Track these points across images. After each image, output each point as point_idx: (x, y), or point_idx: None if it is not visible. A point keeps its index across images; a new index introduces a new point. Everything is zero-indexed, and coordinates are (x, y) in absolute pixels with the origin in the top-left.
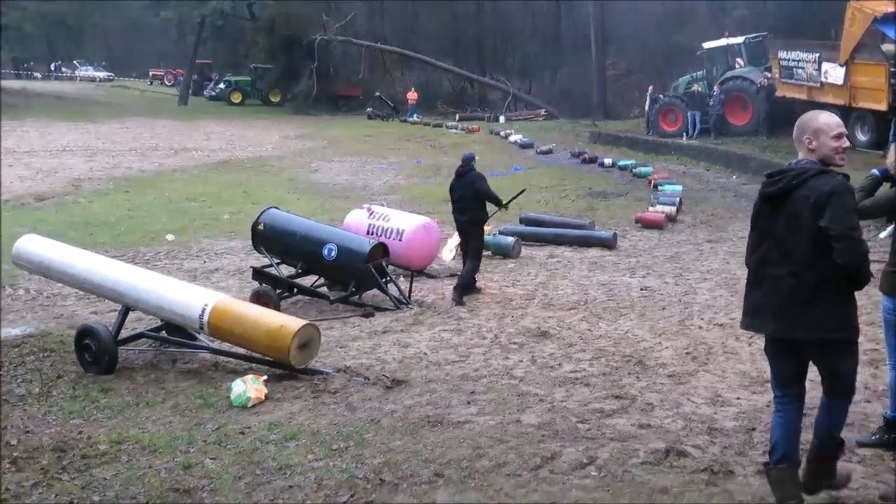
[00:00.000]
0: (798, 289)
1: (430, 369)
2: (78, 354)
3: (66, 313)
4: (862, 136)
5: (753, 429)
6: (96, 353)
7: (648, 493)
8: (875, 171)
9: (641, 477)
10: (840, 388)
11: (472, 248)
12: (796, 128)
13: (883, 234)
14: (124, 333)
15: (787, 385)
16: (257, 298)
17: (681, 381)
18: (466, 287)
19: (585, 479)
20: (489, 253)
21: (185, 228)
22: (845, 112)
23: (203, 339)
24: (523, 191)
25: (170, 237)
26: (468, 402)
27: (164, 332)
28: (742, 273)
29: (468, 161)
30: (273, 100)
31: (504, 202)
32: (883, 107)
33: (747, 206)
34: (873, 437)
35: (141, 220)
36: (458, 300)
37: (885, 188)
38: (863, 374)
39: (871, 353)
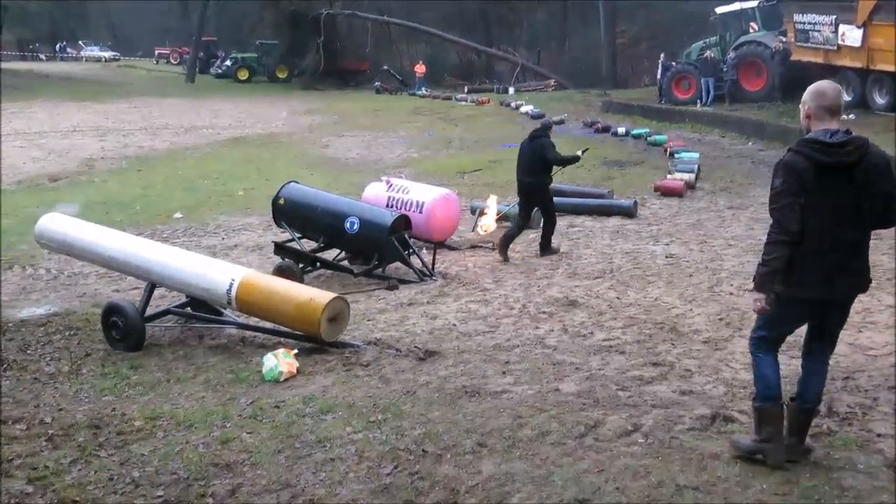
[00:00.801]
0: (866, 250)
1: (461, 340)
2: (105, 332)
3: (88, 292)
4: (880, 99)
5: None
6: (124, 330)
7: (699, 459)
8: None
9: (690, 443)
10: (835, 346)
11: (541, 208)
12: (833, 96)
13: None
14: (150, 311)
15: (782, 339)
16: (280, 273)
17: (717, 346)
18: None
19: (633, 446)
20: (509, 223)
21: (200, 205)
22: (863, 75)
23: (229, 314)
24: (587, 150)
25: (177, 215)
26: (503, 373)
27: (188, 308)
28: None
29: (545, 127)
30: (280, 76)
31: (578, 153)
32: None
33: (766, 173)
34: None
35: (156, 199)
36: (548, 252)
37: None
38: None
39: None
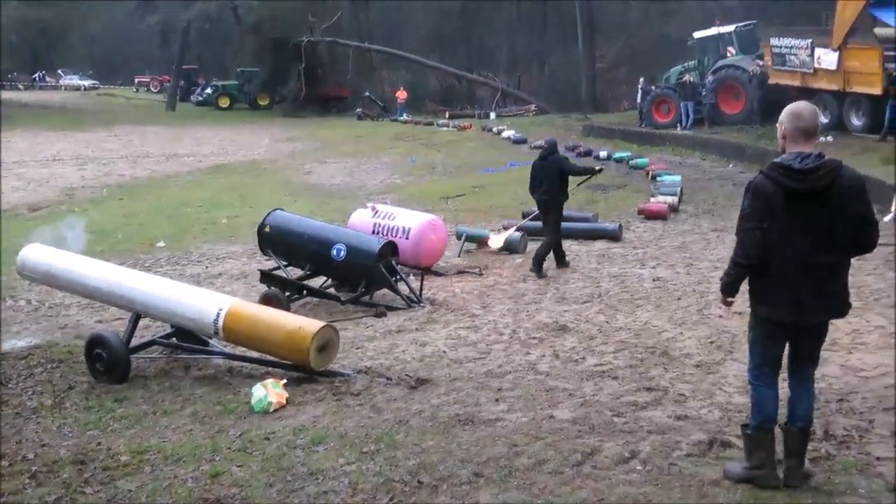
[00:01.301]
0: (844, 275)
1: (453, 367)
2: (89, 364)
3: (70, 323)
4: (857, 121)
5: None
6: (108, 362)
7: (699, 486)
8: None
9: (689, 469)
10: (817, 364)
11: (553, 223)
12: (809, 118)
13: (887, 219)
14: (135, 342)
15: (778, 361)
16: (266, 301)
17: (709, 370)
18: (539, 259)
19: (631, 473)
20: (496, 249)
21: (183, 234)
22: (839, 97)
23: (215, 344)
24: (601, 169)
25: (160, 244)
26: (496, 400)
27: (174, 338)
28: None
29: (552, 145)
30: (261, 103)
31: (595, 168)
32: (877, 91)
33: None
34: None
35: (138, 227)
36: (538, 273)
37: None
38: (891, 358)
39: None
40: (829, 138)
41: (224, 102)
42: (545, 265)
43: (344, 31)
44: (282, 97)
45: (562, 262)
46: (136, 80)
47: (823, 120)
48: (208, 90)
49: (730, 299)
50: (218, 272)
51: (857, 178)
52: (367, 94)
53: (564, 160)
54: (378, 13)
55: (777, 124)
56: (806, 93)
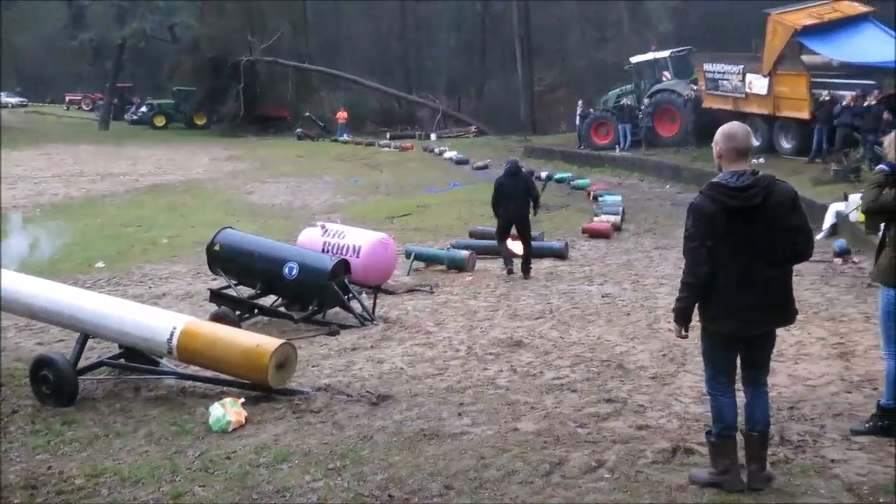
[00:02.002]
0: (787, 285)
1: (412, 383)
2: (34, 387)
3: (8, 346)
4: (786, 144)
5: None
6: (55, 384)
7: (667, 492)
8: (884, 167)
9: (655, 476)
10: (768, 370)
11: (528, 234)
12: (742, 138)
13: (819, 237)
14: (82, 363)
15: (732, 370)
16: (217, 321)
17: (664, 382)
18: (507, 260)
19: (599, 481)
20: (444, 267)
21: (123, 254)
22: (770, 121)
23: (167, 363)
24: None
25: (99, 264)
26: (459, 414)
27: (123, 358)
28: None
29: (515, 163)
30: (198, 122)
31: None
32: (805, 115)
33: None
34: (867, 426)
35: (75, 248)
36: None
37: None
38: (835, 367)
39: (839, 347)
40: (761, 160)
41: (159, 121)
42: (492, 285)
43: (284, 51)
44: (220, 116)
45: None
46: (67, 98)
47: (755, 142)
48: (143, 109)
49: (684, 333)
50: (162, 292)
51: (790, 191)
52: (307, 114)
53: (532, 180)
54: (318, 34)
55: (713, 144)
56: (738, 116)
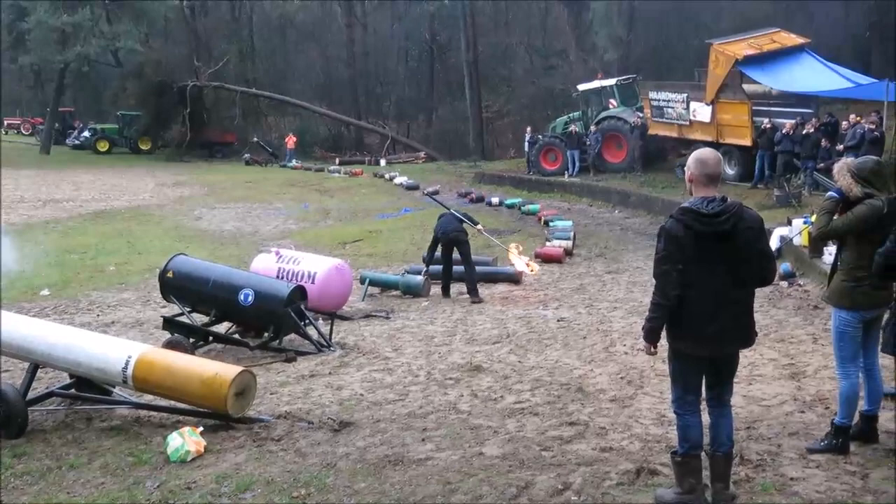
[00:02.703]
0: (750, 307)
1: (373, 409)
2: None
3: None
4: (730, 170)
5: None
6: (4, 416)
7: None
8: (833, 194)
9: (622, 497)
10: (731, 389)
11: (468, 255)
12: (714, 164)
13: None
14: (31, 393)
15: (699, 389)
16: (171, 349)
17: (624, 404)
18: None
19: None
20: (399, 293)
21: (68, 282)
22: (714, 148)
23: (119, 392)
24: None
25: (44, 292)
26: (423, 440)
27: (74, 389)
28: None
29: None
30: (143, 147)
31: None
32: (747, 142)
33: (636, 239)
34: (822, 444)
35: (18, 275)
36: (477, 296)
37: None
38: (787, 387)
39: (790, 368)
40: None
41: (103, 146)
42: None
43: (230, 76)
44: (165, 142)
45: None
46: (6, 122)
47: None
48: (86, 133)
49: (653, 350)
50: (110, 320)
51: (757, 218)
52: (255, 139)
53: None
54: (265, 59)
55: (685, 168)
56: (683, 143)
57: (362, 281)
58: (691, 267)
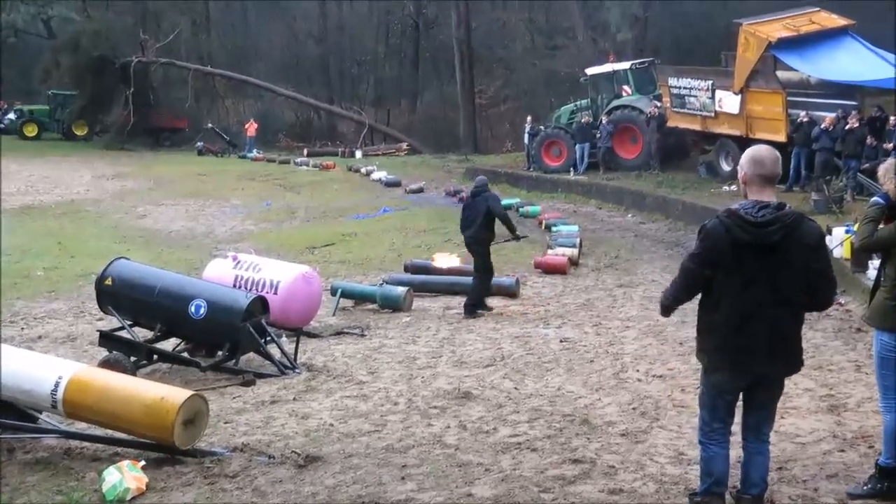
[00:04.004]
0: (794, 328)
1: (345, 442)
2: None
3: None
4: None
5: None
6: None
7: None
8: (878, 199)
9: None
10: (772, 425)
11: (477, 265)
12: (771, 164)
13: None
14: None
15: (728, 417)
16: (108, 368)
17: (637, 439)
18: (476, 304)
19: None
20: (376, 307)
21: None
22: (742, 144)
23: (47, 419)
24: (524, 237)
25: None
26: (403, 478)
27: None
28: (667, 320)
29: (483, 184)
30: (78, 133)
31: (516, 232)
32: (781, 138)
33: (652, 248)
34: (866, 488)
35: None
36: (471, 315)
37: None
38: (825, 422)
39: (828, 399)
40: (733, 187)
41: (31, 131)
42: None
43: (182, 51)
44: (104, 126)
45: (476, 308)
46: None
47: (726, 167)
48: (11, 116)
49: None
50: (37, 334)
51: (816, 233)
52: (209, 125)
53: (495, 200)
54: (223, 33)
55: (738, 167)
56: (707, 138)
57: (333, 292)
58: (726, 275)
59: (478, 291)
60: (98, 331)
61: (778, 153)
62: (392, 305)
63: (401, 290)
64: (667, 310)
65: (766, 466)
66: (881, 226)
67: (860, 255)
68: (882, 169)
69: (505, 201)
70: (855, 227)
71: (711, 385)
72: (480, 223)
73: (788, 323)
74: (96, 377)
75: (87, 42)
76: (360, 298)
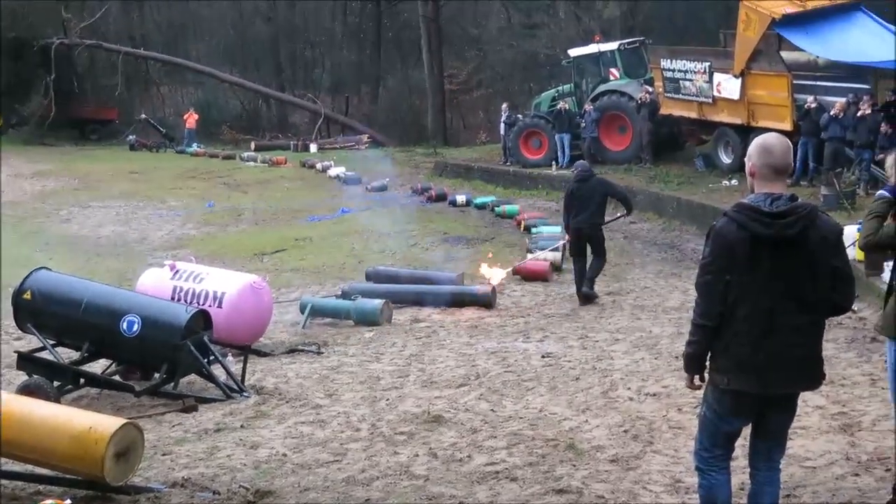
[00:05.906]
0: (816, 339)
1: (300, 475)
2: None
3: None
4: None
5: None
6: None
7: None
8: (885, 193)
9: None
10: (783, 451)
11: (598, 249)
12: (781, 153)
13: None
14: None
15: (732, 441)
16: (28, 395)
17: (628, 466)
18: (592, 285)
19: None
20: (330, 320)
21: None
22: (744, 132)
23: None
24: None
25: None
26: None
27: None
28: (660, 330)
29: (589, 168)
30: None
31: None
32: (786, 126)
33: (644, 250)
34: None
35: None
36: (591, 295)
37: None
38: (838, 443)
39: (841, 418)
40: (733, 181)
41: None
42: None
43: (110, 31)
44: (21, 118)
45: (591, 294)
46: None
47: (726, 160)
48: None
49: (697, 381)
50: None
51: (835, 228)
52: (142, 116)
53: (610, 183)
54: (157, 10)
55: (745, 159)
56: (705, 126)
57: (302, 308)
58: (743, 278)
59: (599, 271)
60: (16, 352)
61: (789, 142)
62: (368, 321)
63: (377, 303)
64: (695, 361)
65: (776, 497)
66: (888, 222)
67: (874, 257)
68: (890, 159)
69: (478, 200)
70: None
71: (728, 409)
72: (595, 207)
73: (812, 330)
74: (15, 405)
75: (1, 22)
76: (332, 315)
